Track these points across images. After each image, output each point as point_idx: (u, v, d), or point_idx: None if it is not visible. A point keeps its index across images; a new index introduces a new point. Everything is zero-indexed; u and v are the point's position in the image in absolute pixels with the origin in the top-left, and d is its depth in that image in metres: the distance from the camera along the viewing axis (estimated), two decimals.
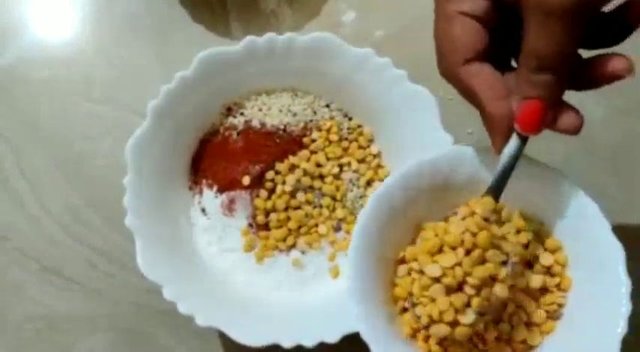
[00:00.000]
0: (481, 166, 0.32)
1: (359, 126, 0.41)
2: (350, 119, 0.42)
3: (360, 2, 0.48)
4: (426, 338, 0.32)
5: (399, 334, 0.32)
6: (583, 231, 0.32)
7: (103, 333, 0.41)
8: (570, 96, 0.45)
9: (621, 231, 0.41)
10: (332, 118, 0.41)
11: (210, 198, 0.40)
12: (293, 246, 0.40)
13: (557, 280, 0.33)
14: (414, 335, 0.33)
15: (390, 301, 0.33)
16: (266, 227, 0.39)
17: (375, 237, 0.32)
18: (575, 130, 0.26)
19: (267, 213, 0.39)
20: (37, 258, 0.42)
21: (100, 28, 0.48)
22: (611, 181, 0.43)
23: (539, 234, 0.33)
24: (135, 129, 0.37)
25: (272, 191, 0.39)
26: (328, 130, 0.41)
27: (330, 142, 0.40)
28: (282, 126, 0.41)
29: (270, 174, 0.39)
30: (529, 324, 0.33)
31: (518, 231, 0.33)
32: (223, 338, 0.40)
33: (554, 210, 0.33)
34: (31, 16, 0.48)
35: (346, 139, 0.41)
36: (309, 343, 0.34)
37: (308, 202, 0.40)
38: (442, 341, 0.32)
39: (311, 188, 0.40)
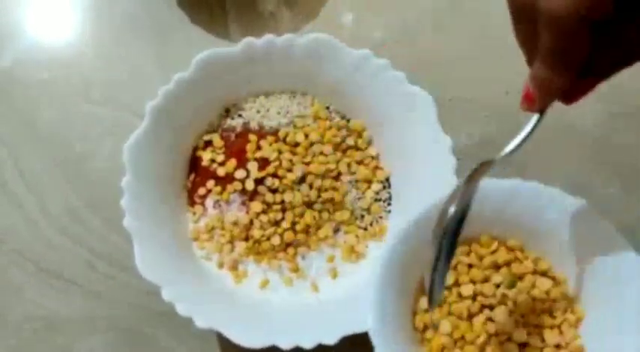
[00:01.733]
0: (506, 199, 0.34)
1: (357, 128, 0.41)
2: (348, 121, 0.42)
3: (359, 4, 0.48)
4: None
5: None
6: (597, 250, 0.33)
7: (103, 334, 0.41)
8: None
9: (624, 231, 0.41)
10: (330, 120, 0.41)
11: (209, 199, 0.40)
12: (292, 247, 0.40)
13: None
14: None
15: (412, 332, 0.34)
16: (265, 228, 0.39)
17: (395, 279, 0.33)
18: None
19: (266, 215, 0.39)
20: (36, 259, 0.42)
21: (99, 30, 0.48)
22: (614, 184, 0.43)
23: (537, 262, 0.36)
24: (134, 131, 0.37)
25: (271, 192, 0.39)
26: (327, 132, 0.41)
27: (329, 144, 0.40)
28: (280, 128, 0.41)
29: (268, 176, 0.39)
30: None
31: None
32: (222, 339, 0.40)
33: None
34: (30, 17, 0.48)
35: (345, 141, 0.41)
36: (307, 344, 0.34)
37: (307, 204, 0.40)
38: None
39: (310, 190, 0.40)
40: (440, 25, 0.47)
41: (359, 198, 0.40)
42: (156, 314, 0.41)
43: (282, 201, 0.39)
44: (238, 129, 0.41)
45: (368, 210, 0.40)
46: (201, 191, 0.40)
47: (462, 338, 0.34)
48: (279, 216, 0.39)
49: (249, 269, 0.39)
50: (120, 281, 0.42)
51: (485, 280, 0.35)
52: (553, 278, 0.36)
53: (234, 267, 0.39)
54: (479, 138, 0.44)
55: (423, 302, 0.35)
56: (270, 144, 0.40)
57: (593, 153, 0.44)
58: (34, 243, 0.43)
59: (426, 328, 0.35)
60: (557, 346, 0.35)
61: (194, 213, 0.40)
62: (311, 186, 0.39)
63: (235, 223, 0.39)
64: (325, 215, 0.40)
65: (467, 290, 0.35)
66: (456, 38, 0.47)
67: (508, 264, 0.36)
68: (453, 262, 0.35)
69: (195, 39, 0.47)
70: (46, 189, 0.44)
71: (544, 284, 0.35)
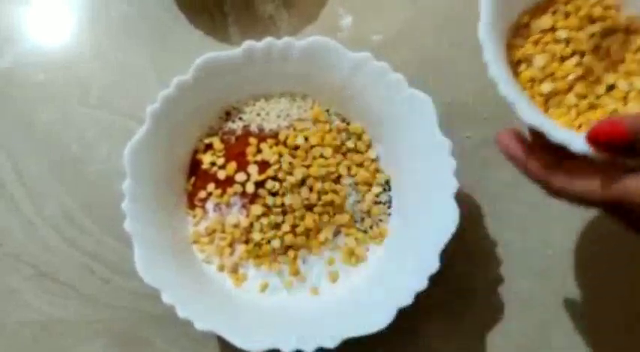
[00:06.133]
0: None
1: (357, 130, 0.41)
2: (348, 123, 0.42)
3: (358, 7, 0.48)
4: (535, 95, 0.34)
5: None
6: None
7: (99, 338, 0.41)
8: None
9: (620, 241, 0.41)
10: (330, 123, 0.41)
11: (209, 202, 0.40)
12: (292, 250, 0.39)
13: None
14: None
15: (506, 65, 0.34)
16: (265, 231, 0.39)
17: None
18: None
19: (266, 218, 0.39)
20: (33, 263, 0.42)
21: (97, 32, 0.48)
22: None
23: None
24: (131, 134, 0.37)
25: (271, 195, 0.39)
26: (327, 135, 0.41)
27: (329, 147, 0.40)
28: (280, 131, 0.41)
29: (269, 179, 0.39)
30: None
31: None
32: (221, 342, 0.40)
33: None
34: (28, 20, 0.48)
35: (344, 144, 0.41)
36: (308, 348, 0.34)
37: (307, 207, 0.39)
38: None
39: (310, 193, 0.39)
40: (439, 28, 0.47)
41: (359, 201, 0.40)
42: (152, 317, 0.41)
43: (283, 204, 0.39)
44: (238, 132, 0.41)
45: (368, 212, 0.40)
46: (202, 194, 0.40)
47: (552, 74, 0.34)
48: (280, 219, 0.39)
49: (249, 273, 0.39)
50: (116, 284, 0.42)
51: (580, 29, 0.35)
52: None
53: (234, 270, 0.39)
54: (479, 140, 0.44)
55: (520, 38, 0.35)
56: (271, 147, 0.40)
57: None
58: (30, 246, 0.42)
59: (519, 62, 0.35)
60: None
61: (194, 216, 0.40)
62: (311, 189, 0.39)
63: (235, 226, 0.39)
64: (325, 218, 0.40)
65: (562, 33, 0.35)
66: (455, 41, 0.47)
67: (603, 19, 0.35)
68: (551, 8, 0.35)
69: (194, 42, 0.47)
70: (43, 191, 0.44)
71: (637, 41, 0.35)
